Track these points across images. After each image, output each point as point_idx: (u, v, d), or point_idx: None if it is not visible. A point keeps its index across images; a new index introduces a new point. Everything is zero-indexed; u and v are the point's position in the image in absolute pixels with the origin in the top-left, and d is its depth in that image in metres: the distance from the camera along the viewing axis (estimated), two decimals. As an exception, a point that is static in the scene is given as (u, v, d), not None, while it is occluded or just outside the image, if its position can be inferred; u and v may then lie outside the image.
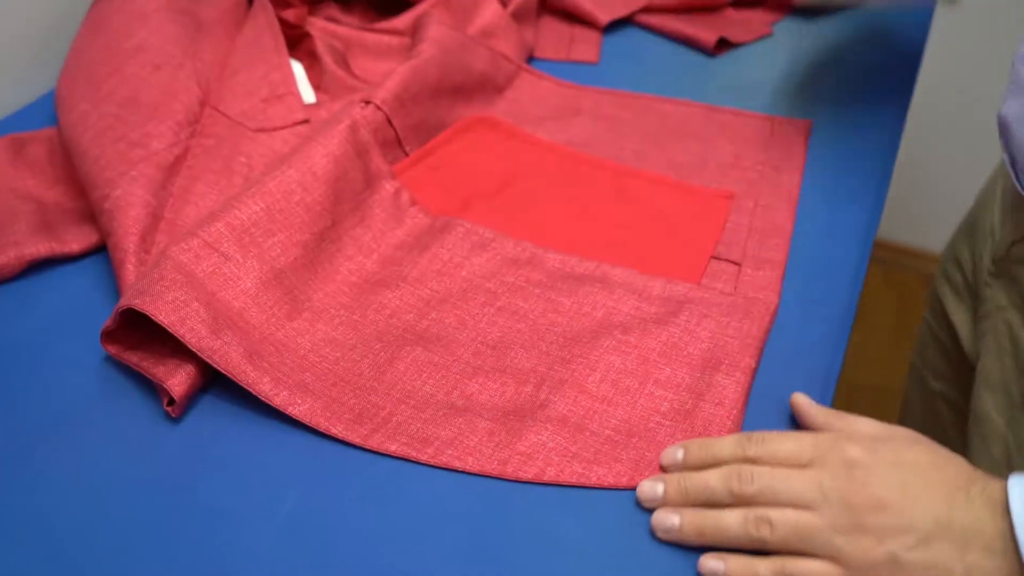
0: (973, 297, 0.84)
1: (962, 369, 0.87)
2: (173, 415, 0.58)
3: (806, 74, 0.91)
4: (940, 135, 1.92)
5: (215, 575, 0.50)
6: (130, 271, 0.64)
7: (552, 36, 0.96)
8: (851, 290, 0.68)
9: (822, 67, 0.93)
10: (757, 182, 0.77)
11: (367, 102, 0.74)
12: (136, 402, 0.59)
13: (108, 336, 0.60)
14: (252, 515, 0.53)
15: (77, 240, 0.69)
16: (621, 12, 0.98)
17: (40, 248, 0.67)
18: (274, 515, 0.53)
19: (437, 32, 0.83)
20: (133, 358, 0.59)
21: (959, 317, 0.87)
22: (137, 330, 0.60)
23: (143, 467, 0.55)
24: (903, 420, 1.03)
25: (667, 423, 0.57)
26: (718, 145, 0.81)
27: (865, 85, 0.89)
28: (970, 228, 0.86)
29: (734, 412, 0.58)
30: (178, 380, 0.58)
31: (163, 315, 0.57)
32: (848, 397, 1.85)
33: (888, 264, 2.15)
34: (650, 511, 0.53)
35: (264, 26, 0.82)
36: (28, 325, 0.64)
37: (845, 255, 0.70)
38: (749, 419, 0.58)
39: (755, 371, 0.61)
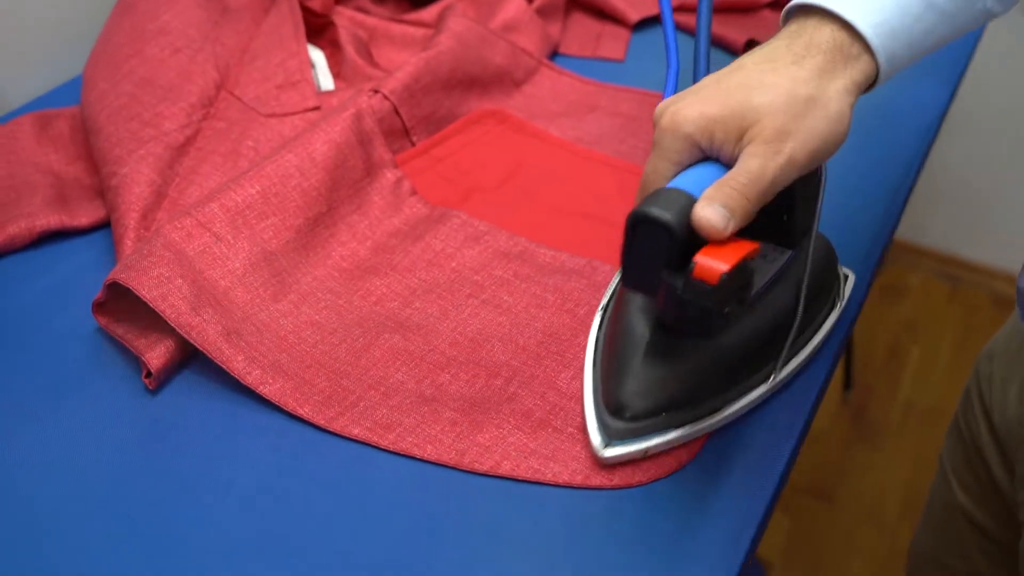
0: (1004, 436, 0.73)
1: (993, 496, 0.76)
2: (150, 387, 0.59)
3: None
4: (1012, 152, 1.85)
5: (171, 543, 0.51)
6: (128, 246, 0.66)
7: (580, 32, 0.95)
8: (846, 317, 0.65)
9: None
10: (765, 187, 0.75)
11: (375, 91, 0.75)
12: (121, 372, 0.61)
13: (100, 308, 0.62)
14: (212, 489, 0.54)
15: (87, 214, 0.71)
16: (652, 10, 0.97)
17: (51, 220, 0.70)
18: (232, 491, 0.54)
19: (456, 24, 0.83)
20: (119, 330, 0.61)
21: (985, 440, 0.76)
22: (128, 303, 0.62)
23: (117, 434, 0.57)
24: (923, 525, 0.89)
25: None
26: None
27: (898, 95, 0.87)
28: (1010, 352, 0.74)
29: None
30: (157, 353, 0.59)
31: (145, 290, 0.59)
32: (903, 416, 1.80)
33: (956, 281, 2.08)
34: (602, 511, 0.53)
35: (286, 13, 0.84)
36: (33, 293, 0.67)
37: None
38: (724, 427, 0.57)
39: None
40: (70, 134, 0.78)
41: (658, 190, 0.48)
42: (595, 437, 0.54)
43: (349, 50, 0.85)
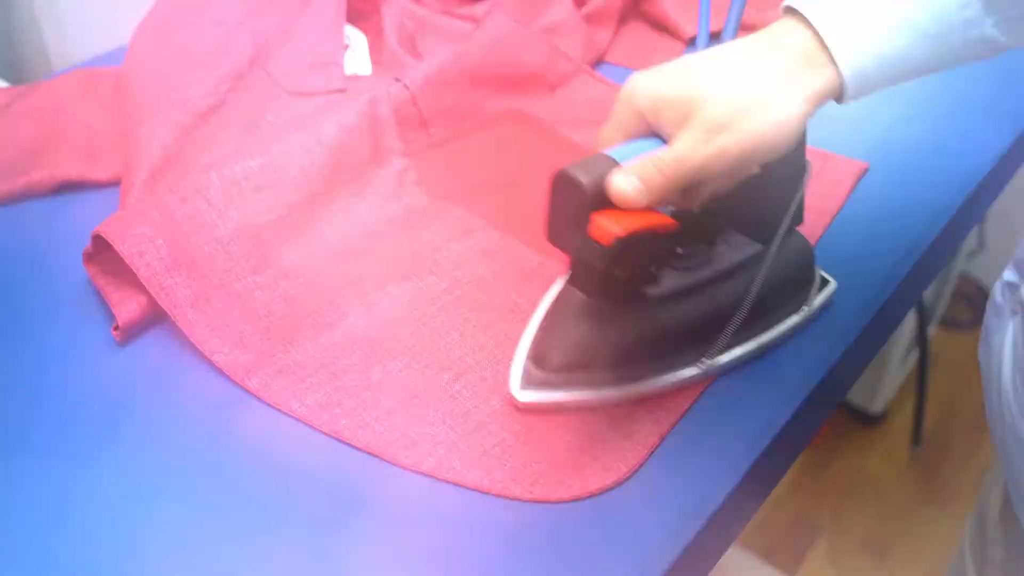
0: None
1: None
2: (117, 339, 0.62)
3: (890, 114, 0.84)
4: None
5: (92, 487, 0.53)
6: (130, 204, 0.69)
7: (632, 43, 0.94)
8: (824, 358, 0.62)
9: (908, 110, 0.85)
10: (778, 217, 0.72)
11: (397, 79, 0.76)
12: (98, 322, 0.64)
13: (91, 259, 0.65)
14: (150, 447, 0.56)
15: (107, 169, 0.75)
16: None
17: (72, 171, 0.74)
18: (167, 449, 0.56)
19: (496, 22, 0.83)
20: (102, 282, 0.64)
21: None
22: (117, 258, 0.64)
23: (73, 380, 0.60)
24: None
25: (568, 437, 0.55)
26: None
27: (950, 135, 0.82)
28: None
29: (642, 450, 0.55)
30: (127, 308, 0.62)
31: (124, 246, 0.61)
32: (977, 482, 1.70)
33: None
34: (518, 523, 0.51)
35: (333, -5, 0.86)
36: (40, 238, 0.70)
37: (834, 316, 0.64)
38: (664, 456, 0.55)
39: (682, 415, 0.58)
40: (112, 92, 0.81)
41: (592, 156, 0.50)
42: (514, 382, 0.56)
43: (391, 38, 0.86)
